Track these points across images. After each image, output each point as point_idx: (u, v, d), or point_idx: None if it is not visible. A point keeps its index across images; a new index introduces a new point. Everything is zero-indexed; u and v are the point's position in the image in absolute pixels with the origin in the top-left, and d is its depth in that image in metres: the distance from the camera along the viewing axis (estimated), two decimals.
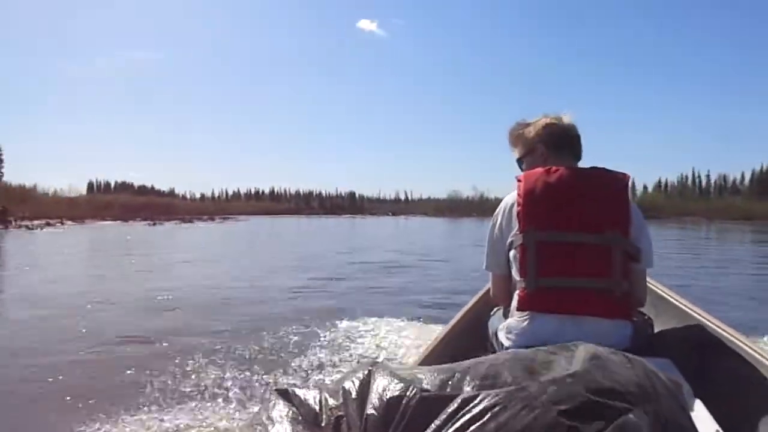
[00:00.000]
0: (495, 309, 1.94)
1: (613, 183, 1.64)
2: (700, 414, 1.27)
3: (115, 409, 2.67)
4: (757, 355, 1.61)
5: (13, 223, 29.92)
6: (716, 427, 1.22)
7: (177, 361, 3.56)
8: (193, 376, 3.18)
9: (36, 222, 30.66)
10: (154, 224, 34.40)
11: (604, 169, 1.68)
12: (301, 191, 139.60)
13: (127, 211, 52.32)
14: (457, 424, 1.01)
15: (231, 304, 5.91)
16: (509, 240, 1.66)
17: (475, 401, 1.02)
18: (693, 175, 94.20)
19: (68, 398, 2.81)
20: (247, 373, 3.22)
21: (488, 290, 1.92)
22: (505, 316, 1.73)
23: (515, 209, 1.64)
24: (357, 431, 1.16)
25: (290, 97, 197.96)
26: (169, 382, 3.08)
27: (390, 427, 1.11)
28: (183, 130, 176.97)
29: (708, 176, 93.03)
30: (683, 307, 2.19)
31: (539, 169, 1.66)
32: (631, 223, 1.60)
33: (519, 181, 1.67)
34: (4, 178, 65.93)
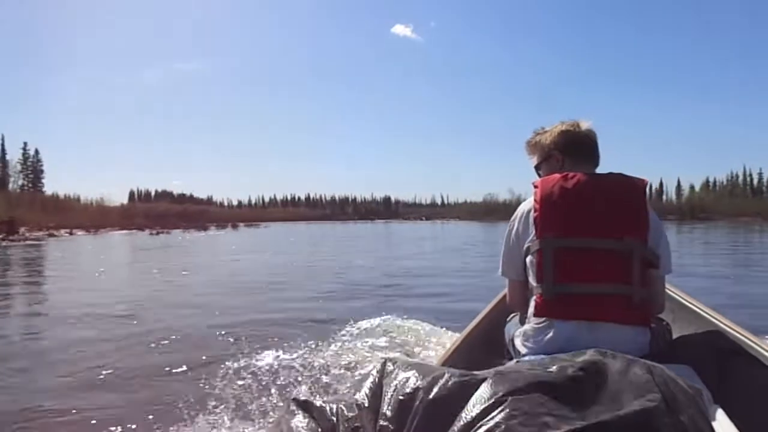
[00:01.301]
0: (511, 315, 1.94)
1: (630, 188, 1.64)
2: (721, 421, 1.27)
3: (132, 422, 2.72)
4: None
5: (20, 233, 31.15)
6: None
7: (187, 372, 3.60)
8: (207, 388, 3.20)
9: (38, 233, 31.66)
10: (157, 233, 34.86)
11: (621, 174, 1.68)
12: (336, 197, 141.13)
13: (154, 218, 53.71)
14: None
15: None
16: (526, 246, 1.66)
17: (488, 416, 1.02)
18: (744, 173, 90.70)
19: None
20: (265, 383, 3.23)
21: (504, 296, 1.92)
22: (522, 322, 1.73)
23: (532, 215, 1.64)
24: None
25: (326, 103, 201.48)
26: (182, 394, 3.11)
27: None
28: (224, 139, 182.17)
29: (760, 174, 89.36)
30: (702, 313, 2.18)
31: (556, 175, 1.67)
32: (650, 229, 1.60)
33: (536, 186, 1.67)
34: (46, 189, 68.93)
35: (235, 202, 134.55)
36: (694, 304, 2.28)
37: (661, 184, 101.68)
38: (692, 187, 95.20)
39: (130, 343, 4.56)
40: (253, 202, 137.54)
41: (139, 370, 3.69)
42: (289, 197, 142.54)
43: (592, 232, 1.56)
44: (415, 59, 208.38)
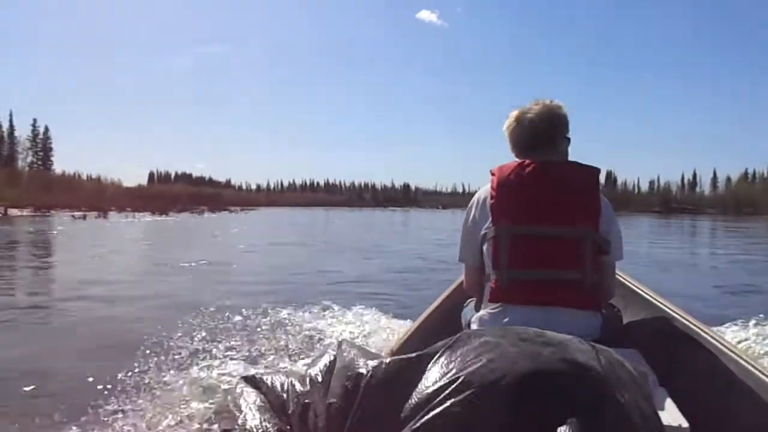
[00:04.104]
0: (468, 300, 2.01)
1: (583, 177, 1.72)
2: (665, 403, 1.34)
3: (76, 399, 2.68)
4: (719, 345, 1.71)
5: None
6: (680, 416, 1.29)
7: (135, 349, 3.53)
8: (154, 363, 3.20)
9: None
10: (84, 218, 30.74)
11: (575, 162, 1.76)
12: (356, 183, 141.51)
13: (146, 200, 51.49)
14: (415, 410, 1.07)
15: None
16: (482, 232, 1.73)
17: (434, 387, 1.08)
18: None
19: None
20: (214, 359, 3.25)
21: (462, 282, 2.00)
22: (477, 307, 1.79)
23: (488, 202, 1.72)
24: (322, 418, 1.21)
25: (349, 89, 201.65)
26: (130, 369, 3.09)
27: (349, 413, 1.15)
28: (247, 123, 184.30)
29: None
30: (651, 299, 2.28)
31: (513, 163, 1.75)
32: (601, 217, 1.68)
33: (492, 174, 1.75)
34: (55, 167, 69.41)
35: (254, 186, 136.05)
36: (644, 291, 2.39)
37: (694, 176, 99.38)
38: (729, 179, 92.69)
39: None
40: (272, 186, 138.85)
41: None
42: (308, 182, 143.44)
43: (545, 219, 1.64)
44: (440, 45, 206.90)
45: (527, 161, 1.71)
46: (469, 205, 1.82)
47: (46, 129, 71.60)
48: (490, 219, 1.69)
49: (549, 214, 1.64)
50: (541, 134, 1.77)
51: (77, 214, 34.43)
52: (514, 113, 1.83)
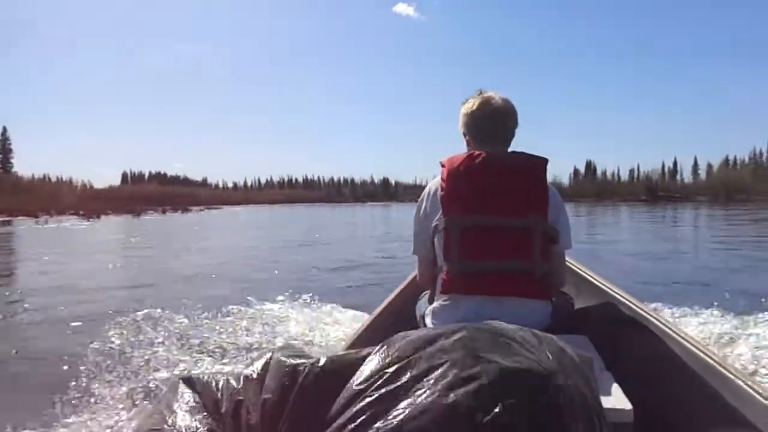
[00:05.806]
0: (423, 293, 2.01)
1: (531, 167, 1.74)
2: (610, 387, 1.37)
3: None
4: (665, 328, 1.77)
5: None
6: (624, 398, 1.32)
7: (67, 350, 3.48)
8: (86, 364, 3.12)
9: None
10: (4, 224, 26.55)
11: (523, 153, 1.77)
12: (335, 178, 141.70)
13: (116, 202, 50.80)
14: (355, 408, 1.04)
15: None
16: (434, 224, 1.74)
17: (375, 384, 1.05)
18: None
19: None
20: (148, 361, 3.18)
21: (416, 276, 2.00)
22: (431, 300, 1.80)
23: (439, 194, 1.73)
24: (256, 415, 1.18)
25: (328, 84, 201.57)
26: (60, 371, 3.06)
27: (285, 408, 1.12)
28: (225, 121, 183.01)
29: None
30: (601, 286, 2.35)
31: (462, 154, 1.76)
32: (550, 206, 1.70)
33: (443, 166, 1.76)
34: (16, 169, 67.77)
35: (230, 184, 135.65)
36: (595, 278, 2.46)
37: (675, 164, 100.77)
38: (710, 166, 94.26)
39: None
40: (249, 183, 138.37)
41: None
42: (286, 179, 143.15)
43: (494, 210, 1.66)
44: (418, 38, 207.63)
45: (476, 152, 1.73)
46: (421, 198, 1.84)
47: (4, 130, 70.06)
48: (441, 211, 1.71)
49: (498, 204, 1.66)
50: (505, 126, 1.81)
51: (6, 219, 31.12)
52: (477, 99, 1.82)
